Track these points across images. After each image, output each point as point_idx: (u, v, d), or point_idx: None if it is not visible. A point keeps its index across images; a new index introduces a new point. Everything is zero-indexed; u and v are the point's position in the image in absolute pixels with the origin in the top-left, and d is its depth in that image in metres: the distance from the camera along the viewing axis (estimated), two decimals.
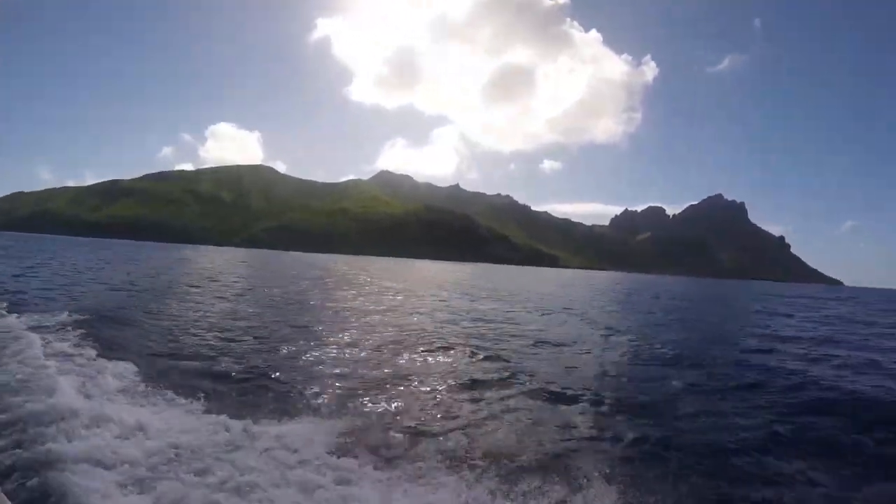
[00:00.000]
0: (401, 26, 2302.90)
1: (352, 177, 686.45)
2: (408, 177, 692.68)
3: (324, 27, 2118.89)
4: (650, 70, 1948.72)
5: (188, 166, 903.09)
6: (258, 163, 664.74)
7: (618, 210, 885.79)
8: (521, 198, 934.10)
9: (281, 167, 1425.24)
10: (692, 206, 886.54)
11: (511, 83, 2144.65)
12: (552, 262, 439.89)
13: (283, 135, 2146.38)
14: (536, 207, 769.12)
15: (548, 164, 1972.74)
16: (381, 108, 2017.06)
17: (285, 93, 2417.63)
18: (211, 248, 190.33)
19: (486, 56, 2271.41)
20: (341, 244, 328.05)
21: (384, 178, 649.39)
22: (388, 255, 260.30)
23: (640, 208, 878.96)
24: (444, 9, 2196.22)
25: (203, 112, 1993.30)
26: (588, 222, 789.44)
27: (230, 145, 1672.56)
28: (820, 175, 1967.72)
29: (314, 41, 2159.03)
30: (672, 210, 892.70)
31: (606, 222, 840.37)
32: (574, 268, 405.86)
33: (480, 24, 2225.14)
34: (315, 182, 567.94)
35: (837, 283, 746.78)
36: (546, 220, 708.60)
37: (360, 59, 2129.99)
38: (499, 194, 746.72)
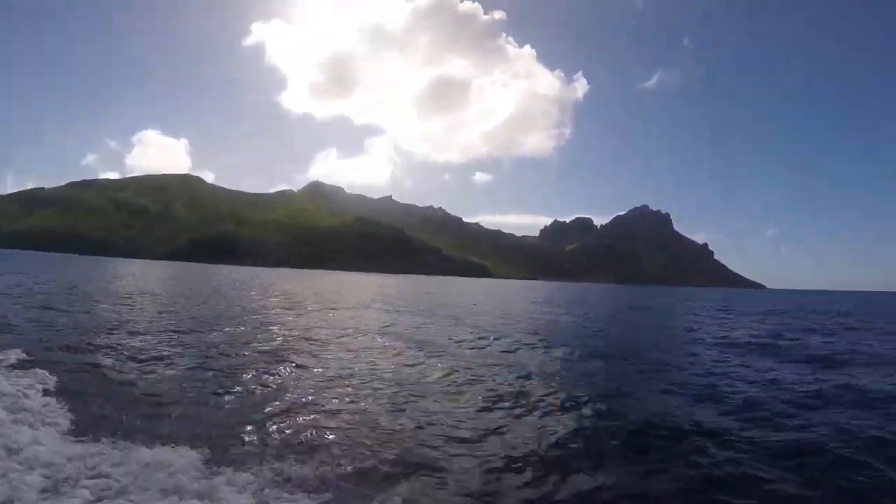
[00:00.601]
0: (337, 33, 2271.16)
1: (283, 187, 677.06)
2: (340, 188, 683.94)
3: (259, 32, 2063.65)
4: (581, 86, 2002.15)
5: (114, 174, 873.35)
6: (186, 172, 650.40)
7: (548, 221, 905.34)
8: (453, 209, 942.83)
9: (209, 176, 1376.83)
10: (619, 216, 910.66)
11: (446, 95, 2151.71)
12: (483, 272, 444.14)
13: (212, 143, 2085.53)
14: (469, 219, 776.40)
15: (480, 176, 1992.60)
16: (315, 116, 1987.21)
17: (216, 99, 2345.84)
18: (136, 261, 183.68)
19: (422, 66, 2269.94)
20: (270, 257, 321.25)
21: (316, 189, 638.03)
22: (319, 268, 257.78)
23: (569, 219, 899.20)
24: (381, 17, 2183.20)
25: (130, 117, 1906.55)
26: (519, 233, 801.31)
27: (157, 153, 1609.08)
28: (743, 185, 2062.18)
29: (249, 46, 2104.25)
30: (600, 220, 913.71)
31: (537, 233, 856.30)
32: (505, 278, 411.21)
33: (418, 35, 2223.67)
34: (244, 192, 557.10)
35: (760, 286, 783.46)
36: (477, 232, 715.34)
37: (295, 65, 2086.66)
38: (431, 206, 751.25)
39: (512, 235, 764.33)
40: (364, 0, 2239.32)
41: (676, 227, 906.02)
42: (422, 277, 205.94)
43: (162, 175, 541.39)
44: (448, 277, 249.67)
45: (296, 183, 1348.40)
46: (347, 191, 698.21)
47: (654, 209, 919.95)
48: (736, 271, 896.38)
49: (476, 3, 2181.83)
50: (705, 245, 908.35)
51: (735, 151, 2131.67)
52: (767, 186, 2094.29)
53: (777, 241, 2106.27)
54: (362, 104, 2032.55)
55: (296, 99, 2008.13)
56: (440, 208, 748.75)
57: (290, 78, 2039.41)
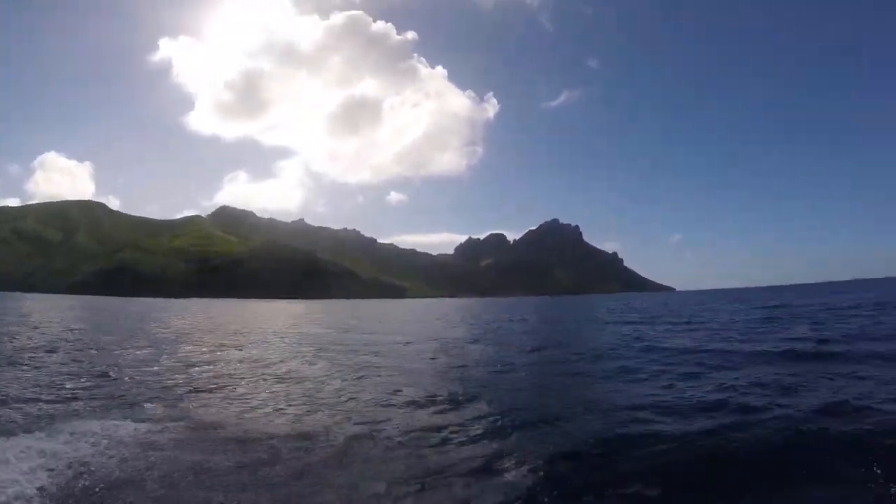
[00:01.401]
0: (247, 51, 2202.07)
1: (190, 212, 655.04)
2: (250, 212, 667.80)
3: (167, 48, 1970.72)
4: (492, 106, 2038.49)
5: (15, 201, 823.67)
6: (89, 197, 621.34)
7: (462, 238, 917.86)
8: (368, 230, 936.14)
9: (114, 202, 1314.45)
10: (531, 231, 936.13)
11: (358, 115, 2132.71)
12: (399, 293, 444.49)
13: (117, 166, 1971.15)
14: (384, 239, 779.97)
15: (394, 196, 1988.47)
16: (223, 138, 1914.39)
17: (122, 119, 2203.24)
18: (31, 296, 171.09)
19: (334, 86, 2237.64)
20: (176, 286, 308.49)
21: (224, 213, 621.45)
22: (227, 297, 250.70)
23: (482, 236, 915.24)
24: (293, 36, 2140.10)
25: (30, 139, 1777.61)
26: (435, 252, 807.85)
27: (60, 177, 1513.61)
28: (648, 195, 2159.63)
29: (155, 63, 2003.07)
30: (513, 236, 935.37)
31: (452, 251, 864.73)
32: (421, 297, 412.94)
33: (330, 54, 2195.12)
34: (150, 219, 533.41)
35: (670, 289, 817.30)
36: (393, 252, 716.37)
37: (203, 84, 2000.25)
38: (345, 228, 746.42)
39: (427, 254, 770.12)
40: (276, 18, 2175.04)
41: (586, 238, 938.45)
42: (335, 302, 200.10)
43: (64, 202, 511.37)
44: (363, 300, 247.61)
45: (204, 208, 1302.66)
46: (258, 215, 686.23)
47: (564, 222, 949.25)
48: (646, 276, 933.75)
49: (389, 24, 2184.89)
50: (615, 254, 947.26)
51: (638, 164, 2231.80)
52: (671, 195, 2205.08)
53: (682, 246, 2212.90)
54: (272, 125, 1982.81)
55: (203, 119, 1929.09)
56: (354, 230, 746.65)
57: (197, 97, 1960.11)
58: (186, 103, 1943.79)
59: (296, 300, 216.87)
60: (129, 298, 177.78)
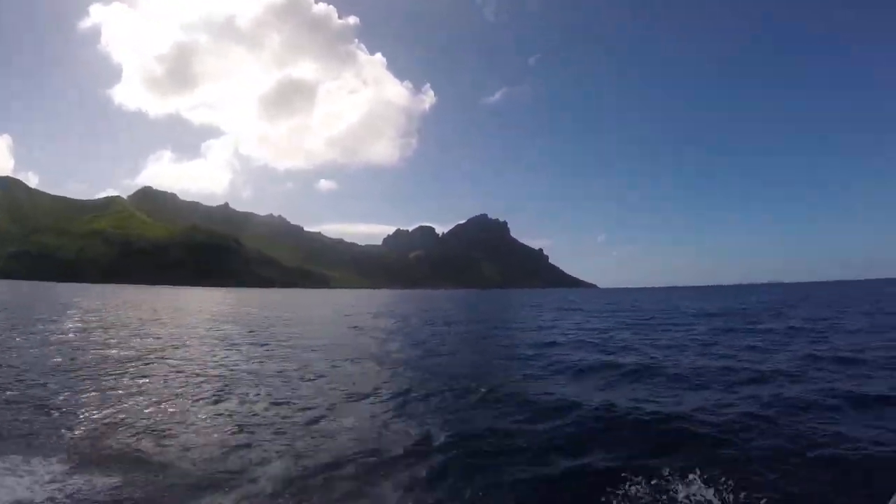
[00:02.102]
0: (183, 23, 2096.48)
1: (112, 192, 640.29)
2: (173, 194, 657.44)
3: (98, 14, 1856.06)
4: (429, 98, 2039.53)
5: None
6: (8, 173, 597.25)
7: (391, 230, 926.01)
8: (296, 218, 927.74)
9: (34, 179, 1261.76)
10: (460, 224, 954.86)
11: (293, 97, 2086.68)
12: (323, 282, 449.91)
13: (38, 140, 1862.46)
14: (312, 227, 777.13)
15: (325, 184, 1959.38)
16: (148, 114, 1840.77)
17: (45, 89, 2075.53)
18: None
19: (270, 67, 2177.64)
20: (94, 271, 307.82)
21: (147, 194, 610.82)
22: (148, 283, 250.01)
23: (411, 228, 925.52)
24: (232, 10, 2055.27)
25: None
26: (363, 242, 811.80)
27: None
28: (577, 195, 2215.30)
29: (84, 30, 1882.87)
30: (441, 229, 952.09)
31: (381, 242, 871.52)
32: (346, 287, 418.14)
33: (268, 33, 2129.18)
34: (69, 198, 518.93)
35: (593, 286, 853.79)
36: (319, 241, 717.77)
37: (132, 55, 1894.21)
38: (271, 214, 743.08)
39: (355, 245, 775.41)
40: None
41: (514, 234, 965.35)
42: (255, 291, 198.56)
43: None
44: (285, 290, 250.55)
45: (126, 188, 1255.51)
46: (181, 198, 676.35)
47: (493, 217, 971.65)
48: (571, 274, 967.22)
49: (331, 7, 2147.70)
50: (541, 250, 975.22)
51: (569, 164, 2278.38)
52: (599, 196, 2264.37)
53: (607, 245, 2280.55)
54: (202, 103, 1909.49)
55: (130, 93, 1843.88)
56: (280, 216, 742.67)
57: (125, 69, 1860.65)
58: (114, 75, 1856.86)
59: (217, 288, 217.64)
60: (46, 284, 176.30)
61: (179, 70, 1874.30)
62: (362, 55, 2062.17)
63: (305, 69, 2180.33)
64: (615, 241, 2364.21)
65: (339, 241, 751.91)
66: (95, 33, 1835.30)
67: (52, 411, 11.10)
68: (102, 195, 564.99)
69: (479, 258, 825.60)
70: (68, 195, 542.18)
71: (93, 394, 12.82)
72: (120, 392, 13.11)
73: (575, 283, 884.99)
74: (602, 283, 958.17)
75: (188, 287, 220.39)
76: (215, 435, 9.91)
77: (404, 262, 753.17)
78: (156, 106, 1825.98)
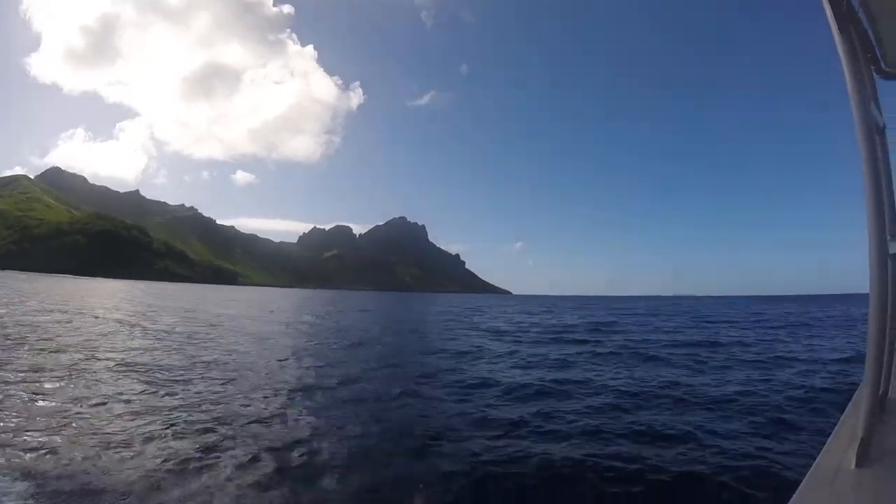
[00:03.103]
0: None
1: (19, 171, 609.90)
2: (82, 177, 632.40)
3: None
4: (357, 96, 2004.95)
5: None
6: None
7: (307, 228, 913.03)
8: (210, 210, 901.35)
9: None
10: (378, 226, 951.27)
11: (215, 82, 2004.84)
12: (232, 279, 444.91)
13: None
14: (225, 221, 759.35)
15: (242, 176, 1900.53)
16: (64, 88, 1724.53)
17: None
18: None
19: (194, 47, 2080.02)
20: None
21: (54, 175, 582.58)
22: (44, 272, 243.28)
23: (328, 226, 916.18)
24: None
25: None
26: (278, 239, 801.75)
27: None
28: (496, 202, 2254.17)
29: None
30: (359, 229, 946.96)
31: (296, 239, 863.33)
32: (257, 285, 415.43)
33: (197, 11, 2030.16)
34: None
35: (507, 292, 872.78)
36: (232, 235, 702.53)
37: (52, 22, 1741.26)
38: (183, 205, 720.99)
39: (269, 241, 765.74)
40: None
41: (431, 238, 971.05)
42: (157, 284, 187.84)
43: None
44: (190, 285, 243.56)
45: (35, 167, 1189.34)
46: (91, 181, 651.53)
47: (412, 221, 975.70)
48: (486, 279, 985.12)
49: None
50: (457, 255, 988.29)
51: (490, 172, 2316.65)
52: (518, 206, 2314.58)
53: (524, 253, 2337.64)
54: (119, 80, 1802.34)
55: (47, 64, 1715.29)
56: (192, 207, 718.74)
57: (44, 37, 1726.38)
58: (32, 43, 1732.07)
59: (117, 280, 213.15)
60: None
61: (100, 43, 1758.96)
62: (293, 45, 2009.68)
63: (231, 54, 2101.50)
64: (532, 251, 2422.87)
65: (253, 237, 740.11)
66: None
67: None
68: (9, 173, 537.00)
69: (395, 261, 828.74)
70: None
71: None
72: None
73: (490, 288, 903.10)
74: (516, 289, 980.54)
75: (88, 278, 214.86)
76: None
77: (319, 262, 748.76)
78: (72, 80, 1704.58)
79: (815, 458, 3.14)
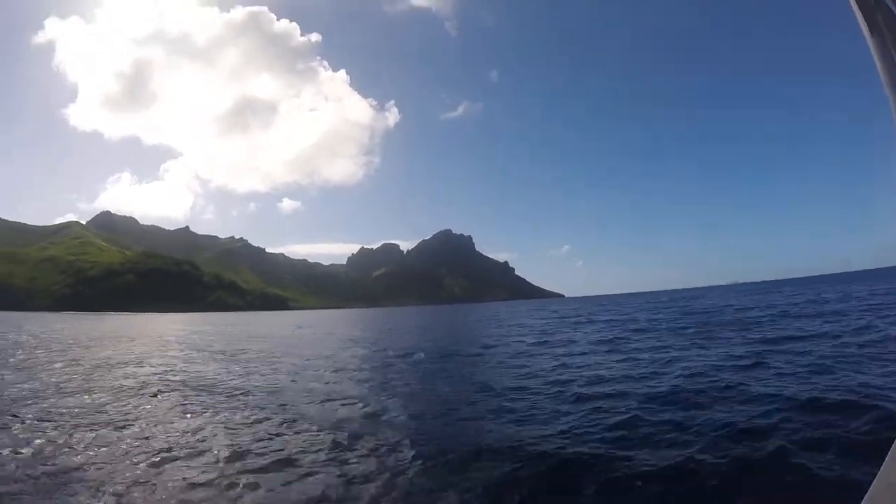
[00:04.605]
0: (139, 36, 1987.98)
1: (71, 217, 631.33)
2: (132, 219, 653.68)
3: (53, 28, 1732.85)
4: (392, 115, 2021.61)
5: None
6: None
7: (356, 248, 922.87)
8: (259, 240, 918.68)
9: None
10: (424, 241, 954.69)
11: (252, 115, 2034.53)
12: (282, 304, 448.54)
13: None
14: (275, 249, 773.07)
15: (288, 204, 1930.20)
16: (105, 134, 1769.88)
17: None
18: None
19: (228, 84, 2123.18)
20: (47, 299, 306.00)
21: (105, 219, 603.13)
22: (102, 311, 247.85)
23: (376, 246, 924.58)
24: (190, 26, 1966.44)
25: None
26: (328, 262, 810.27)
27: None
28: (541, 207, 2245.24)
29: (38, 45, 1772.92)
30: (406, 246, 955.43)
31: (345, 261, 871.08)
32: (309, 308, 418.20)
33: (225, 49, 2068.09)
34: (24, 224, 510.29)
35: (560, 295, 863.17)
36: (282, 262, 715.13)
37: (87, 72, 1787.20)
38: (232, 237, 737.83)
39: (319, 264, 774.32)
40: (173, 5, 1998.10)
41: (479, 248, 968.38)
42: (207, 315, 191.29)
43: None
44: (239, 313, 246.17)
45: (84, 213, 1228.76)
46: (141, 222, 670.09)
47: (458, 233, 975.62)
48: (537, 284, 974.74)
49: (293, 24, 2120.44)
50: (506, 263, 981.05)
51: (532, 176, 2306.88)
52: (562, 207, 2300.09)
53: (572, 255, 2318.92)
54: (158, 123, 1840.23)
55: (85, 113, 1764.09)
56: (242, 239, 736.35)
57: (80, 87, 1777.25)
58: (69, 93, 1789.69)
59: (172, 314, 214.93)
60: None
61: (135, 88, 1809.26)
62: (324, 72, 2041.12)
63: (265, 87, 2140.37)
64: (580, 252, 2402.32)
65: (303, 262, 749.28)
66: (50, 49, 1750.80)
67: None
68: (61, 220, 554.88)
69: (443, 273, 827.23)
70: (26, 221, 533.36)
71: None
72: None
73: (542, 293, 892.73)
74: (569, 292, 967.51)
75: (144, 313, 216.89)
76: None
77: (368, 281, 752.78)
78: (112, 127, 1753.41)
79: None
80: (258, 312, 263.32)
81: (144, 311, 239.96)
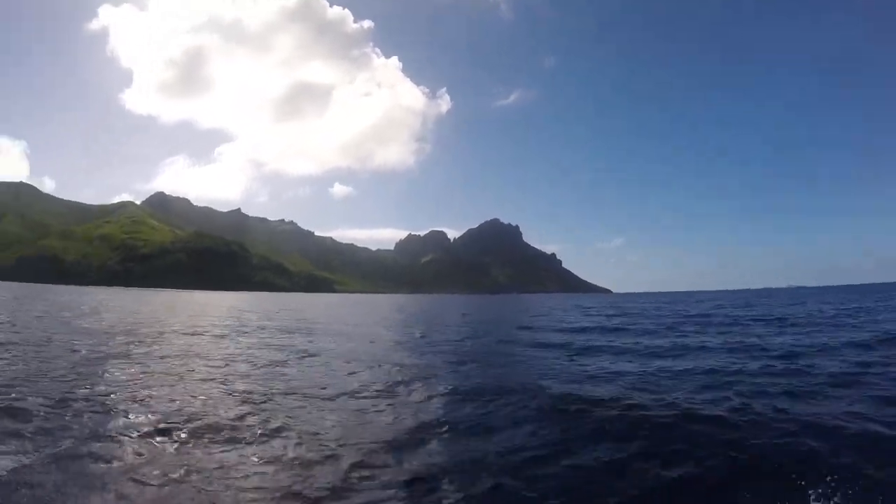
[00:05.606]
0: (193, 23, 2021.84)
1: (126, 197, 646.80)
2: (185, 200, 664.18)
3: (106, 16, 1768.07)
4: (445, 102, 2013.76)
5: None
6: (24, 178, 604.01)
7: (404, 234, 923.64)
8: (309, 223, 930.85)
9: (49, 184, 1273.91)
10: (472, 229, 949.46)
11: (306, 101, 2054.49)
12: (328, 287, 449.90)
13: (53, 146, 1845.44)
14: (325, 233, 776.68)
15: (339, 189, 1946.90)
16: (160, 119, 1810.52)
17: (57, 94, 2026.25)
18: None
19: (282, 70, 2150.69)
20: (96, 275, 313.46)
21: (159, 200, 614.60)
22: (148, 287, 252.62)
23: (423, 232, 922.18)
24: (243, 12, 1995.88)
25: None
26: (375, 247, 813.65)
27: None
28: (593, 199, 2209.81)
29: (92, 32, 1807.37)
30: (454, 233, 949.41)
31: (393, 247, 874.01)
32: (355, 292, 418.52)
33: (279, 35, 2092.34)
34: (82, 203, 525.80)
35: (606, 290, 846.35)
36: (329, 246, 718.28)
37: (142, 58, 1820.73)
38: (282, 220, 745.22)
39: (366, 249, 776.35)
40: None
41: (526, 238, 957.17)
42: (255, 294, 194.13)
43: None
44: (284, 294, 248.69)
45: (140, 194, 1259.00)
46: (195, 203, 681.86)
47: (505, 222, 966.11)
48: (584, 278, 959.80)
49: (346, 11, 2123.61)
50: (553, 255, 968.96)
51: (583, 168, 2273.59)
52: (615, 201, 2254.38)
53: (623, 250, 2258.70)
54: (213, 107, 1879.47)
55: (142, 97, 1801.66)
56: (292, 222, 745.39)
57: (135, 73, 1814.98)
58: (124, 79, 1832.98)
59: (213, 292, 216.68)
60: (45, 286, 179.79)
61: (189, 74, 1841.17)
62: (377, 59, 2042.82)
63: (319, 73, 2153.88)
64: (631, 246, 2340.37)
65: (351, 247, 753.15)
66: (104, 35, 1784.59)
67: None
68: (117, 200, 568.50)
69: (489, 262, 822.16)
70: (84, 201, 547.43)
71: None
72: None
73: (588, 287, 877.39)
74: (617, 287, 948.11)
75: (188, 290, 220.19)
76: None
77: (414, 267, 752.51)
78: (167, 110, 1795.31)
79: None
80: (304, 294, 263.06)
81: (189, 289, 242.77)
